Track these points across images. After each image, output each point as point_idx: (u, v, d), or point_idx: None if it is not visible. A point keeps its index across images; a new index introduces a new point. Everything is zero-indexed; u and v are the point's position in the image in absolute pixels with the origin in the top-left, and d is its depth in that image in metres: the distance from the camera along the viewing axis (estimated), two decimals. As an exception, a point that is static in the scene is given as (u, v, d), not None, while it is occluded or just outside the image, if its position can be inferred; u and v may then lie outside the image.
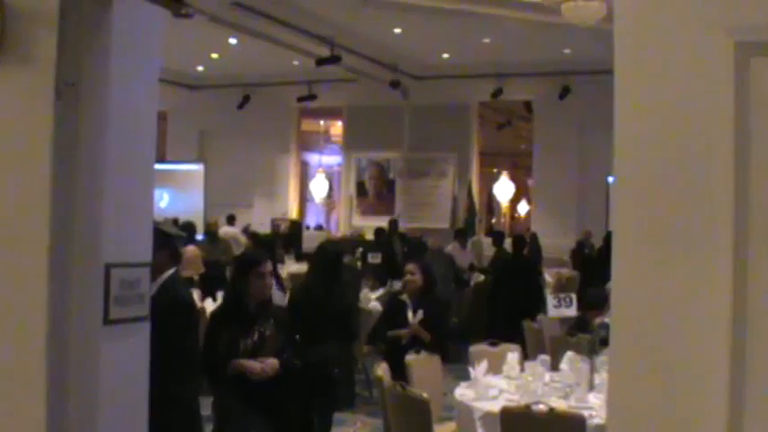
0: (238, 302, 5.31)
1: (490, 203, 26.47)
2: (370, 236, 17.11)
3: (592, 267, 13.28)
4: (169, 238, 4.54)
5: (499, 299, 11.44)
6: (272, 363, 5.17)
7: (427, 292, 7.03)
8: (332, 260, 6.82)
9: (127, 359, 3.43)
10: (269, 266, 5.42)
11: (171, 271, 4.52)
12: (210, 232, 15.09)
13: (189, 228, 11.05)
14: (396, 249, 14.76)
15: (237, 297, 5.33)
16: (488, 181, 24.06)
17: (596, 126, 15.76)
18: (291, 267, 13.33)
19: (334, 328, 6.45)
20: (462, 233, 15.70)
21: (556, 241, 16.30)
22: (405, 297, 7.07)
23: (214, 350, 5.14)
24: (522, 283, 11.32)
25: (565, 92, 17.45)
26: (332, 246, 9.61)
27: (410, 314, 6.90)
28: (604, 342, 5.55)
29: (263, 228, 18.07)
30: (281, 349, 5.29)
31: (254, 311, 5.30)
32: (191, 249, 10.71)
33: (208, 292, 9.68)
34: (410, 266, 6.83)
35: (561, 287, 12.54)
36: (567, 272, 13.97)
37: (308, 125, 23.03)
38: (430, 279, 7.12)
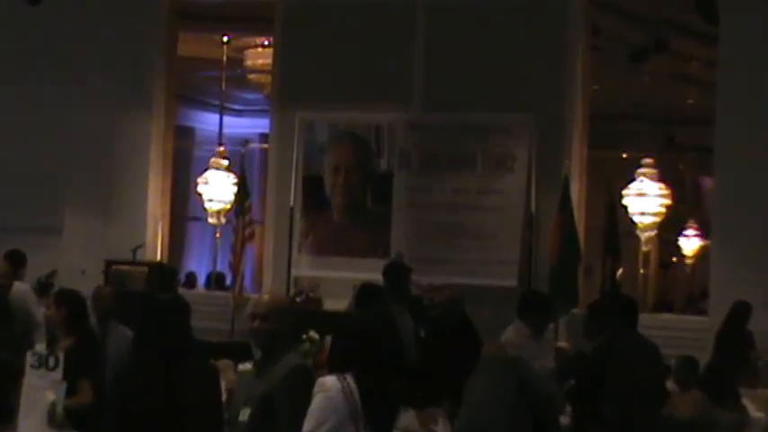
0: None
1: (613, 231, 25.82)
2: (332, 303, 18.37)
3: None
4: None
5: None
6: None
7: None
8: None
9: None
10: None
11: None
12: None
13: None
14: (404, 335, 14.30)
15: None
16: (608, 178, 23.39)
17: None
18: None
19: None
20: (540, 302, 15.30)
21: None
22: None
23: None
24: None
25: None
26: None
27: None
28: None
29: (88, 278, 19.14)
30: None
31: None
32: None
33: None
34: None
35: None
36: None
37: (192, 46, 24.82)
38: None
